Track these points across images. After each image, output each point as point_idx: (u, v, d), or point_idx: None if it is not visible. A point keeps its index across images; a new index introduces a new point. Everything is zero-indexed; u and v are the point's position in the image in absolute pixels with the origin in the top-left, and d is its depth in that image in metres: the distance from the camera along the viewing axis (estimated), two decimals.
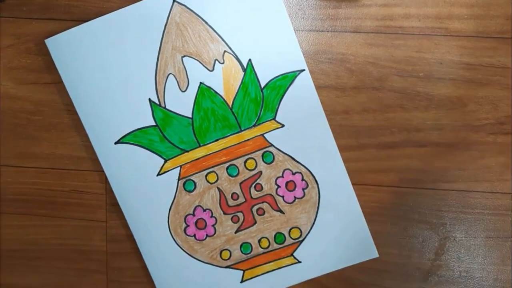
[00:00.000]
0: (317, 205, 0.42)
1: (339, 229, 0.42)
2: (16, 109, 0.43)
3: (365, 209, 0.42)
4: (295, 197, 0.42)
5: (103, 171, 0.42)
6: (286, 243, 0.42)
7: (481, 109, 0.42)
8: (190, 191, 0.42)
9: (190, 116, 0.41)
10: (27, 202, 0.44)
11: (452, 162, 0.42)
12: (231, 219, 0.43)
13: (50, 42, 0.40)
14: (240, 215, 0.42)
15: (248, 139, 0.42)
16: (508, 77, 0.41)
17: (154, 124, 0.41)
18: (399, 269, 0.43)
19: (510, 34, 0.41)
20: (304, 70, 0.41)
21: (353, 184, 0.42)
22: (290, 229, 0.42)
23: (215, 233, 0.43)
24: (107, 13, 0.41)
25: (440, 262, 0.43)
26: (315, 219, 0.42)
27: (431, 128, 0.42)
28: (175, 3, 0.40)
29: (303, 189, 0.42)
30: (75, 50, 0.40)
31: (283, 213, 0.42)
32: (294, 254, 0.43)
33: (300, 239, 0.42)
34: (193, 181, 0.42)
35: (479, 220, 0.43)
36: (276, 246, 0.43)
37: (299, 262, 0.42)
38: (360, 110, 0.42)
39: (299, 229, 0.42)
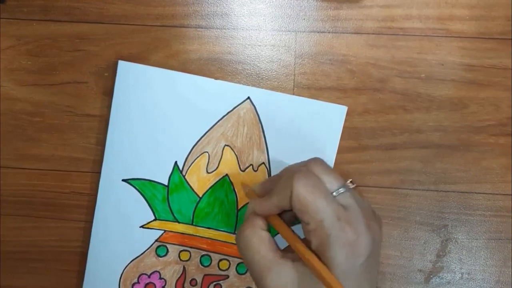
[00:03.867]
0: None
1: None
2: (16, 111, 0.43)
3: None
4: None
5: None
6: None
7: (482, 111, 0.42)
8: (159, 256, 0.43)
9: (200, 196, 0.42)
10: (27, 204, 0.44)
11: (454, 164, 0.42)
12: None
13: (122, 64, 0.41)
14: None
15: (235, 244, 0.42)
16: (510, 78, 0.41)
17: (166, 184, 0.42)
18: (400, 271, 0.43)
19: None
20: None
21: (355, 184, 0.41)
22: None
23: None
24: (107, 15, 0.41)
25: (441, 264, 0.43)
26: None
27: (432, 129, 0.42)
28: (248, 99, 0.41)
29: None
30: (139, 85, 0.41)
31: None
32: None
33: None
34: (167, 249, 0.43)
35: (481, 222, 0.42)
36: None
37: None
38: (361, 111, 0.42)
39: None
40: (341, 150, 0.42)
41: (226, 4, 0.42)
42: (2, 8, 0.42)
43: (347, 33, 0.41)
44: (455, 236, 0.42)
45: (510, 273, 0.42)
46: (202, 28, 0.42)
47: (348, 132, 0.42)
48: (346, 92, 0.42)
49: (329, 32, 0.41)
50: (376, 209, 0.42)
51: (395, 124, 0.42)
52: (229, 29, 0.42)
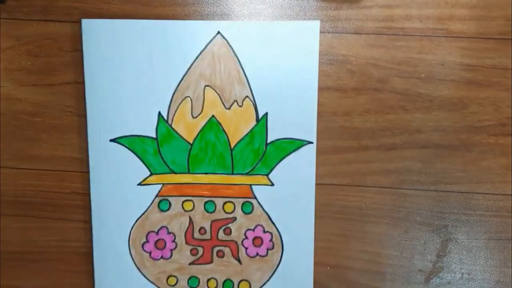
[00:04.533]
0: (275, 268, 0.43)
1: None
2: (16, 111, 0.43)
3: (366, 211, 0.42)
4: (257, 253, 0.43)
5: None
6: None
7: (482, 111, 0.41)
8: (162, 211, 0.42)
9: (191, 142, 0.41)
10: (27, 204, 0.44)
11: (454, 164, 0.42)
12: (191, 250, 0.43)
13: (85, 23, 0.40)
14: (200, 249, 0.43)
15: (236, 184, 0.42)
16: (510, 78, 0.41)
17: (154, 136, 0.41)
18: (401, 271, 0.43)
19: (511, 35, 0.41)
20: (312, 143, 0.41)
21: (354, 185, 0.41)
22: (241, 281, 0.43)
23: (170, 257, 0.43)
24: (106, 15, 0.41)
25: (441, 264, 0.43)
26: (267, 281, 0.43)
27: (432, 129, 0.42)
28: (219, 34, 0.40)
29: (267, 249, 0.43)
30: (108, 40, 0.40)
31: (241, 263, 0.43)
32: None
33: None
34: (170, 202, 0.42)
35: (481, 222, 0.42)
36: None
37: None
38: (361, 111, 0.42)
39: (249, 284, 0.43)
40: (340, 150, 0.42)
41: (226, 4, 0.41)
42: (2, 8, 0.42)
43: (347, 33, 0.41)
44: (455, 236, 0.42)
45: (511, 273, 0.42)
46: None
47: (348, 132, 0.42)
48: (346, 92, 0.42)
49: (329, 32, 0.41)
50: (376, 209, 0.42)
51: (395, 124, 0.42)
52: None
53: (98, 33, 0.40)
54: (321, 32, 0.41)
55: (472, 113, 0.42)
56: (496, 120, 0.41)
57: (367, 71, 0.41)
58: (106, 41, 0.40)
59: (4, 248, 0.44)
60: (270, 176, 0.42)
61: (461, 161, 0.42)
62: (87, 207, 0.43)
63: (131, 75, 0.41)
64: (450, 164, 0.42)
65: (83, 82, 0.42)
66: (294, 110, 0.41)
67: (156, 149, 0.41)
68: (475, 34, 0.41)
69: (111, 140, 0.41)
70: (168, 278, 0.43)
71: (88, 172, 0.43)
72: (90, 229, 0.43)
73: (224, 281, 0.43)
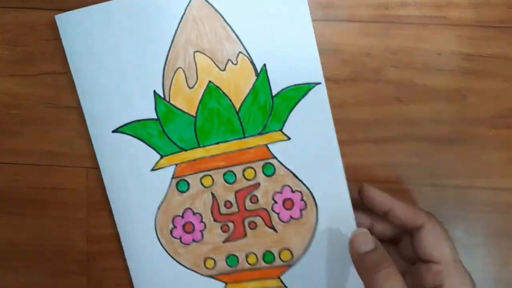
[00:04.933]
0: (313, 230, 0.40)
1: (332, 262, 0.40)
2: None
3: (361, 206, 0.41)
4: (291, 217, 0.41)
5: (85, 167, 0.42)
6: (274, 264, 0.41)
7: (482, 102, 0.41)
8: (182, 192, 0.41)
9: (194, 114, 0.40)
10: (5, 200, 0.43)
11: (451, 157, 0.42)
12: (221, 227, 0.41)
13: (60, 18, 0.39)
14: (230, 225, 0.41)
15: (251, 147, 0.40)
16: (510, 68, 0.40)
17: (156, 117, 0.40)
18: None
19: None
20: (320, 83, 0.39)
21: (348, 180, 0.40)
22: (281, 250, 0.41)
23: (202, 239, 0.41)
24: (88, 2, 0.40)
25: None
26: (308, 245, 0.41)
27: (429, 121, 0.41)
28: None
29: (300, 210, 0.40)
30: (85, 30, 0.39)
31: (276, 231, 0.41)
32: (281, 277, 0.41)
33: (290, 263, 0.41)
34: (187, 182, 0.41)
35: (480, 218, 0.42)
36: (263, 265, 0.41)
37: (286, 287, 0.41)
38: (355, 103, 0.41)
39: (291, 252, 0.41)
40: None
41: None
42: None
43: (340, 21, 0.41)
44: (452, 233, 0.42)
45: (510, 271, 0.42)
46: None
47: (341, 124, 0.41)
48: (339, 83, 0.41)
49: (320, 20, 0.40)
50: None
51: (390, 116, 0.41)
52: None
53: (74, 25, 0.39)
54: (312, 20, 0.40)
55: (470, 105, 0.41)
56: (496, 112, 0.41)
57: (361, 61, 0.41)
58: (84, 32, 0.39)
59: None
60: (284, 130, 0.40)
61: (459, 154, 0.41)
62: (67, 203, 0.43)
63: (116, 61, 0.39)
64: (447, 157, 0.42)
65: (63, 73, 0.41)
66: (292, 54, 0.39)
67: (160, 130, 0.40)
68: (474, 22, 0.40)
69: (113, 131, 0.40)
70: (205, 261, 0.41)
71: (69, 167, 0.42)
72: (68, 226, 0.43)
73: (264, 254, 0.41)
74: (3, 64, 0.42)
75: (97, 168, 0.42)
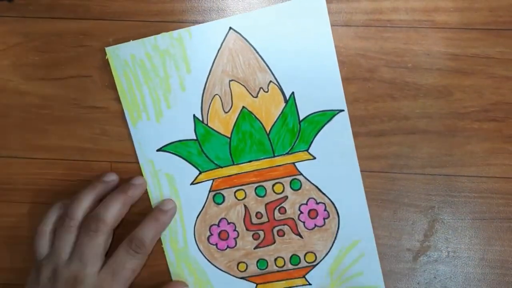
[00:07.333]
0: (335, 235, 0.44)
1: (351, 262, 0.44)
2: (25, 104, 0.45)
3: None
4: (315, 225, 0.44)
5: (109, 161, 0.44)
6: (300, 265, 0.44)
7: (466, 98, 0.43)
8: (218, 204, 0.44)
9: (229, 136, 0.43)
10: (36, 191, 0.45)
11: (440, 148, 0.43)
12: (252, 235, 0.44)
13: (110, 50, 0.43)
14: (261, 233, 0.44)
15: (280, 165, 0.43)
16: (492, 66, 0.42)
17: (195, 138, 0.43)
18: (390, 250, 0.44)
19: (494, 25, 0.42)
20: (343, 110, 0.43)
21: None
22: (306, 253, 0.44)
23: (235, 245, 0.45)
24: (109, 12, 0.43)
25: (429, 243, 0.44)
26: (330, 248, 0.44)
27: (419, 116, 0.43)
28: (231, 30, 0.42)
29: (324, 219, 0.44)
30: (132, 59, 0.43)
31: (302, 237, 0.44)
32: (306, 276, 0.44)
33: (314, 263, 0.44)
34: (223, 195, 0.44)
35: (466, 203, 0.44)
36: (290, 266, 0.44)
37: (310, 284, 0.44)
38: (351, 100, 0.43)
39: (315, 254, 0.44)
40: None
41: (222, 0, 0.43)
42: (10, 7, 0.44)
43: (337, 25, 0.43)
44: (441, 217, 0.44)
45: (494, 251, 0.44)
46: (199, 23, 0.43)
47: None
48: None
49: None
50: (366, 192, 0.44)
51: (384, 112, 0.43)
52: None
53: (123, 57, 0.43)
54: None
55: (456, 100, 0.43)
56: (480, 107, 0.43)
57: (357, 62, 0.43)
58: (131, 63, 0.43)
59: (16, 234, 0.46)
60: (310, 150, 0.43)
61: (446, 145, 0.43)
62: None
63: (161, 89, 0.43)
64: (436, 148, 0.43)
65: (87, 76, 0.44)
66: (318, 83, 0.42)
67: (199, 149, 0.43)
68: (459, 25, 0.42)
69: (157, 150, 0.44)
70: (238, 265, 0.45)
71: (94, 162, 0.45)
72: None
73: (291, 257, 0.44)
74: (33, 69, 0.44)
75: (120, 162, 0.44)
